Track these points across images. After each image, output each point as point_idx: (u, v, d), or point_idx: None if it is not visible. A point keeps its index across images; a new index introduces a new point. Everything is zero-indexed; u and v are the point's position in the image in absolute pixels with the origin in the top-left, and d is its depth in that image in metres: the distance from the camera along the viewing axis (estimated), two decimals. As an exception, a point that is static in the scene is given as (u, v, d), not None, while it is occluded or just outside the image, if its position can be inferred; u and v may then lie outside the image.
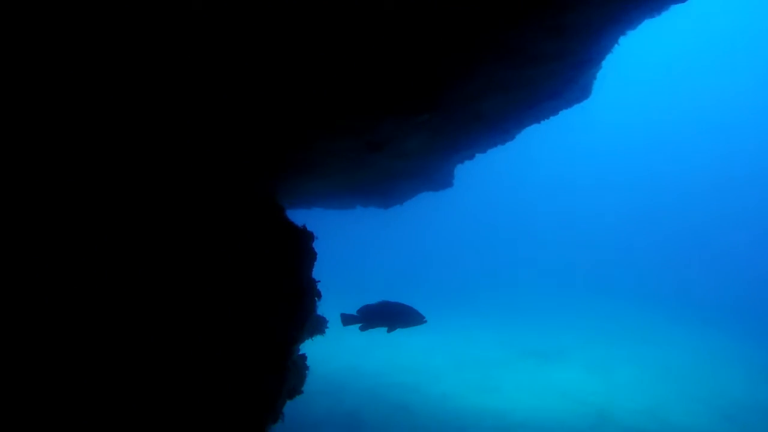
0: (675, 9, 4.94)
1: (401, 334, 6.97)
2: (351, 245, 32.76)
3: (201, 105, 3.89)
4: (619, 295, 23.31)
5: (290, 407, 4.36)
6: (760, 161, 41.94)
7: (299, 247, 4.03)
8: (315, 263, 4.31)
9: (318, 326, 5.07)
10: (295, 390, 4.04)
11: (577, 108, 6.94)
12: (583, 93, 6.30)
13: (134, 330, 3.08)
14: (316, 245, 4.58)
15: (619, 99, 42.23)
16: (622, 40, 5.26)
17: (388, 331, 6.32)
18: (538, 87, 5.07)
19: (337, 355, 10.99)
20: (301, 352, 4.63)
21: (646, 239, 38.72)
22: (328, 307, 5.56)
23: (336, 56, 3.77)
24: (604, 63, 5.97)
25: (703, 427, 8.78)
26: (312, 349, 5.36)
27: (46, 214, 2.90)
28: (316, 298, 4.16)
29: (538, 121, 6.63)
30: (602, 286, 25.63)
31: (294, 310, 3.80)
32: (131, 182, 3.33)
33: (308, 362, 4.90)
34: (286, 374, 3.53)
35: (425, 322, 6.40)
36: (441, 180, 8.51)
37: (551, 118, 6.78)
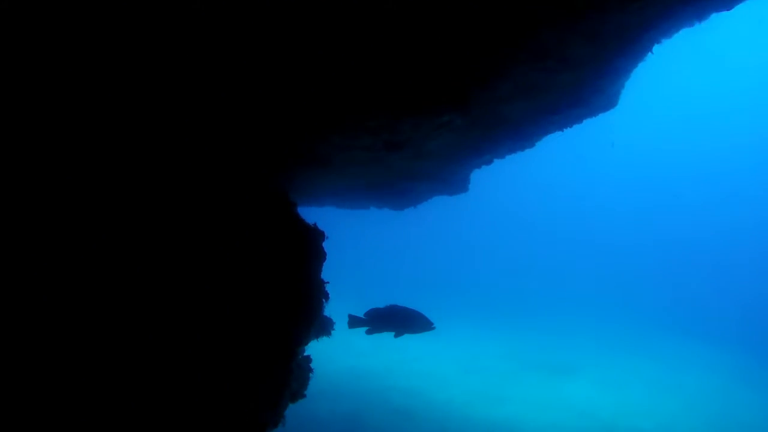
0: (714, 19, 4.71)
1: (408, 338, 6.82)
2: (361, 246, 32.66)
3: (210, 95, 3.78)
4: (633, 310, 22.86)
5: (290, 407, 4.24)
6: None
7: (309, 247, 3.90)
8: (324, 263, 4.17)
9: (324, 327, 4.94)
10: (297, 393, 3.91)
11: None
12: (610, 102, 6.09)
13: (137, 331, 2.97)
14: (326, 245, 4.45)
15: (640, 108, 41.09)
16: (656, 48, 5.05)
17: (396, 336, 6.17)
18: (566, 93, 4.89)
19: (341, 357, 10.87)
20: (305, 354, 4.50)
21: (663, 255, 37.94)
22: (336, 307, 5.43)
23: (356, 49, 3.64)
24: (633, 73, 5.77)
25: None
26: (316, 349, 5.24)
27: (46, 211, 2.83)
28: (323, 300, 4.03)
29: (562, 129, 6.43)
30: (615, 300, 25.18)
31: (300, 311, 3.67)
32: (132, 178, 3.22)
33: (312, 362, 4.77)
34: (290, 377, 3.40)
35: (433, 328, 6.24)
36: (457, 184, 8.33)
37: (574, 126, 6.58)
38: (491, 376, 11.50)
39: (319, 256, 4.17)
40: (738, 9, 4.54)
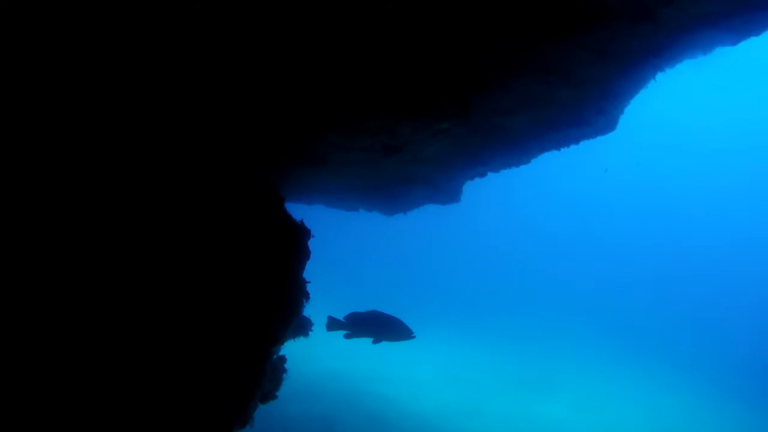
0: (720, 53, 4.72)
1: (388, 345, 6.72)
2: (346, 247, 32.38)
3: (211, 95, 3.67)
4: (618, 330, 22.88)
5: (261, 408, 4.12)
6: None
7: (294, 245, 3.79)
8: (308, 262, 4.06)
9: (302, 328, 4.82)
10: (269, 394, 3.79)
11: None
12: (609, 125, 6.08)
13: (107, 325, 2.85)
14: (311, 243, 4.35)
15: (637, 136, 40.93)
16: (659, 76, 5.05)
17: (374, 343, 6.07)
18: (567, 111, 4.85)
19: (317, 357, 10.71)
20: (281, 353, 4.38)
21: (650, 265, 37.93)
22: (316, 307, 5.32)
23: (356, 49, 3.57)
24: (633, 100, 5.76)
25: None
26: (293, 349, 5.11)
27: (46, 211, 2.80)
28: (303, 300, 3.91)
29: (558, 148, 6.41)
30: (600, 318, 25.20)
31: (279, 310, 3.56)
32: (131, 177, 3.13)
33: (288, 359, 4.65)
34: (263, 378, 3.28)
35: (413, 337, 6.16)
36: (450, 193, 8.27)
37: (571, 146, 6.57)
38: (468, 388, 11.42)
39: (303, 254, 4.06)
40: (742, 46, 4.55)
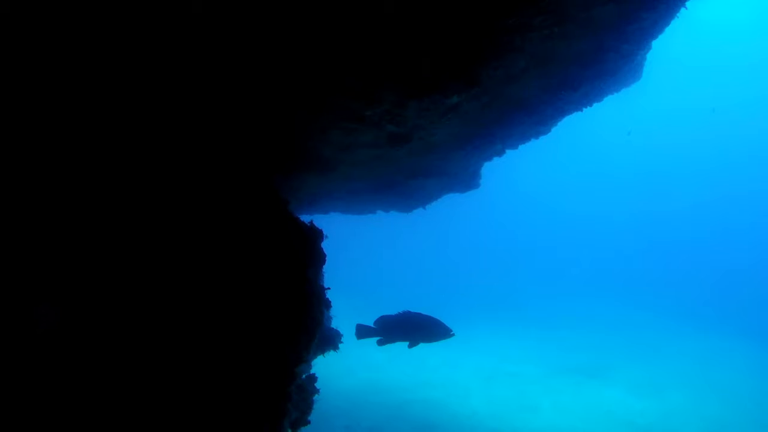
0: None
1: (425, 346, 6.26)
2: (367, 248, 31.87)
3: (199, 88, 3.35)
4: (666, 310, 21.85)
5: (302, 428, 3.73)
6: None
7: (306, 248, 3.39)
8: (324, 267, 3.66)
9: (330, 340, 4.41)
10: (300, 420, 3.38)
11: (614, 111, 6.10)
12: (634, 74, 5.53)
13: (103, 344, 2.50)
14: (329, 249, 3.95)
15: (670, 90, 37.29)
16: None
17: (410, 347, 5.61)
18: (587, 63, 4.35)
19: (353, 370, 10.30)
20: (311, 372, 3.97)
21: (696, 253, 36.20)
22: (341, 316, 4.92)
23: (347, 14, 3.17)
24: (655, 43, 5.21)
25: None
26: (325, 363, 4.73)
27: (46, 210, 2.68)
28: (324, 309, 3.50)
29: (581, 109, 5.87)
30: (647, 300, 24.13)
31: (298, 324, 3.15)
32: (129, 176, 2.87)
33: (322, 376, 4.26)
34: (287, 405, 2.87)
35: (452, 335, 5.68)
36: (468, 179, 7.80)
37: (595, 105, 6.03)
38: (517, 383, 10.84)
39: (318, 258, 3.66)
40: None
